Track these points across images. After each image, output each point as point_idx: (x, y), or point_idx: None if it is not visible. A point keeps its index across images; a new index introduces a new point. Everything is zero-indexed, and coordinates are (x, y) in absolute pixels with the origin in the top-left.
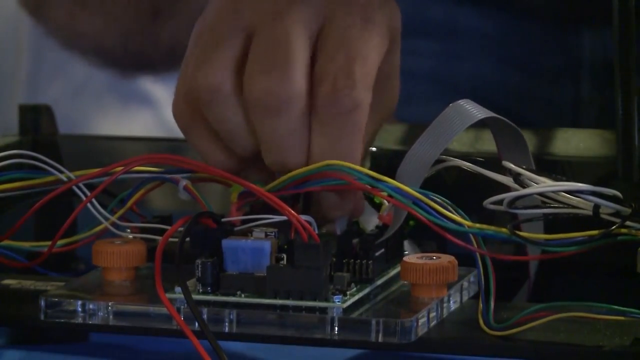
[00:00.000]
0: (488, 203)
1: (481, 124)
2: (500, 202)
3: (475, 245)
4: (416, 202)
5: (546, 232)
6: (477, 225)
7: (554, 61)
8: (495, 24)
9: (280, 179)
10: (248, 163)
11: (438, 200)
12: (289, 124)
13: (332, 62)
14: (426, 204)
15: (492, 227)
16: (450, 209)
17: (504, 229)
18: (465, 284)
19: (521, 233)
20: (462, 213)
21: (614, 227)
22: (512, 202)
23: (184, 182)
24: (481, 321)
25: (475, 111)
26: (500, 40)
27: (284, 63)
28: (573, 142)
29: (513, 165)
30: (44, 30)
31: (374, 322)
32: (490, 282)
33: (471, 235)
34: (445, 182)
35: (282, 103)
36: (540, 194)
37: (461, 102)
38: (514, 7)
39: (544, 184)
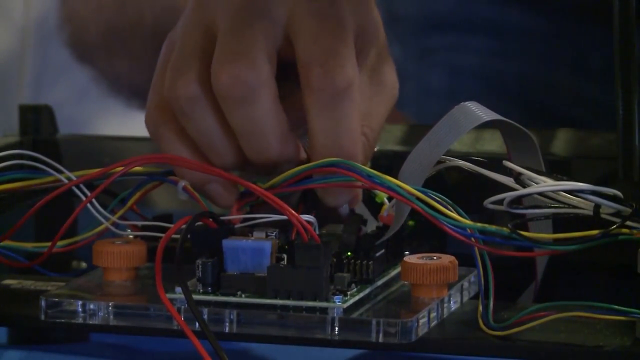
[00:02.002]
0: (488, 203)
1: (485, 125)
2: (500, 202)
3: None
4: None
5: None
6: (479, 224)
7: (602, 61)
8: (543, 23)
9: (282, 175)
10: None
11: (437, 198)
12: (262, 110)
13: (315, 44)
14: (426, 202)
15: (493, 226)
16: (450, 207)
17: (504, 228)
18: (466, 284)
19: (523, 233)
20: (461, 212)
21: (614, 226)
22: (513, 202)
23: (182, 183)
24: (480, 321)
25: (481, 113)
26: (549, 39)
27: (247, 51)
28: (573, 142)
29: (514, 165)
30: (93, 76)
31: (374, 322)
32: (489, 282)
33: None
34: (446, 182)
35: (251, 89)
36: (541, 194)
37: (468, 103)
38: (563, 5)
39: (544, 184)
